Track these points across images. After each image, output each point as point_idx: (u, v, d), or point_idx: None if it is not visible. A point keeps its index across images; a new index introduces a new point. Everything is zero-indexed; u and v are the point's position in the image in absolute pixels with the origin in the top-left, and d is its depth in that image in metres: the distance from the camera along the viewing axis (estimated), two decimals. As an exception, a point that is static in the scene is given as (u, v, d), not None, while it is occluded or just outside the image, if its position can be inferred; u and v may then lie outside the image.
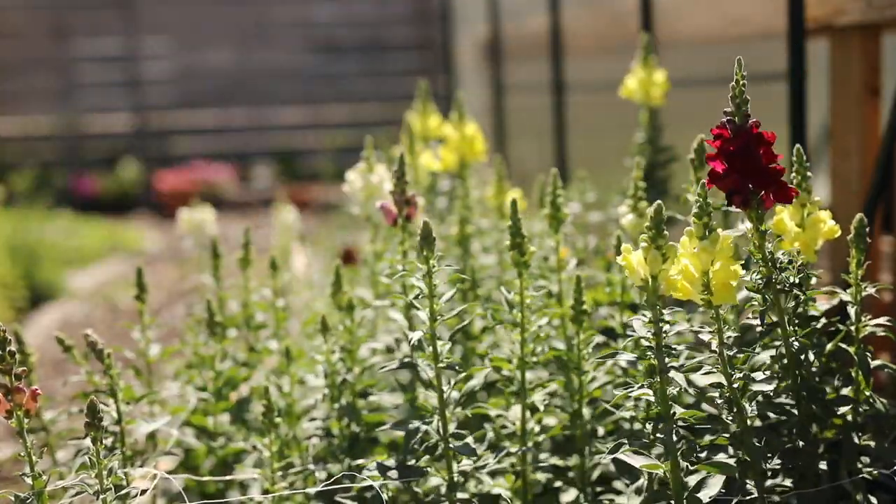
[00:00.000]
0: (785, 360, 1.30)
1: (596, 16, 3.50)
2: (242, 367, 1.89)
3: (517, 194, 2.31)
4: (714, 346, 1.21)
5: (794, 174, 1.33)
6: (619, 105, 2.37)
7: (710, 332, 1.21)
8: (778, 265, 1.23)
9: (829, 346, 1.32)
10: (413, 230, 1.46)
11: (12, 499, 1.27)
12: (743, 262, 1.24)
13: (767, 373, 1.26)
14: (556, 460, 1.51)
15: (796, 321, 1.28)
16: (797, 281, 1.24)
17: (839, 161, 2.03)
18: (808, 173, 1.32)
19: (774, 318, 1.27)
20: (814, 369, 1.31)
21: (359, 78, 9.64)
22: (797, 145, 1.34)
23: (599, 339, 1.53)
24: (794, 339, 1.26)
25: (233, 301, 2.08)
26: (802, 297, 1.26)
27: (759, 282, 1.24)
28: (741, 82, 1.18)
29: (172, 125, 9.46)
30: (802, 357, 1.27)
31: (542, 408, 1.45)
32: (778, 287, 1.23)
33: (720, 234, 1.17)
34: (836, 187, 2.04)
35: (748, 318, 1.31)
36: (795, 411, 1.29)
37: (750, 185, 1.19)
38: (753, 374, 1.24)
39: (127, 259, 6.28)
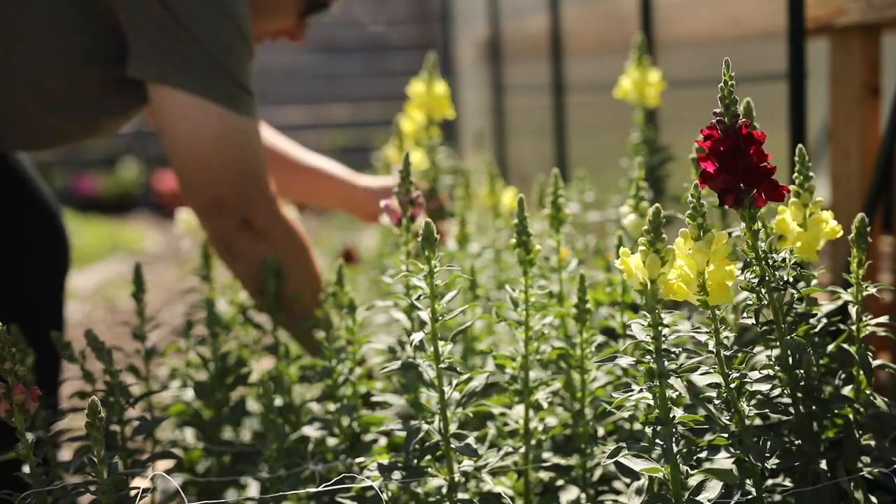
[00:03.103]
0: (778, 361, 1.30)
1: (596, 16, 3.50)
2: (241, 367, 1.89)
3: (512, 193, 2.32)
4: (711, 346, 1.21)
5: (795, 174, 1.34)
6: (619, 105, 2.37)
7: (706, 332, 1.21)
8: (772, 264, 1.24)
9: (830, 347, 1.32)
10: (417, 230, 1.46)
11: (12, 499, 1.27)
12: (741, 262, 1.24)
13: (766, 372, 1.26)
14: (557, 459, 1.51)
15: (794, 320, 1.28)
16: (791, 279, 1.24)
17: (839, 161, 2.03)
18: (810, 173, 1.32)
19: (769, 318, 1.27)
20: (813, 368, 1.31)
21: (359, 78, 9.65)
22: (799, 145, 1.34)
23: (600, 338, 1.53)
24: (790, 337, 1.26)
25: (231, 301, 2.08)
26: (797, 296, 1.27)
27: (754, 281, 1.24)
28: (729, 83, 1.19)
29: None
30: (799, 356, 1.27)
31: (545, 406, 1.45)
32: (772, 285, 1.23)
33: (715, 235, 1.17)
34: (836, 187, 2.05)
35: (743, 317, 1.31)
36: (793, 410, 1.29)
37: (741, 185, 1.19)
38: (751, 374, 1.24)
39: (127, 259, 6.28)
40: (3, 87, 1.74)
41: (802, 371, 1.29)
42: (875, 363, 1.29)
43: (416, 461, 1.34)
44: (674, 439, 1.15)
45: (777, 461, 1.23)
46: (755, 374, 1.23)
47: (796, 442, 1.30)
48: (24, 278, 2.08)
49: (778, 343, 1.28)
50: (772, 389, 1.26)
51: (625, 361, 1.20)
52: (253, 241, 1.77)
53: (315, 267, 1.86)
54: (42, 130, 1.84)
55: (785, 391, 1.28)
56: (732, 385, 1.20)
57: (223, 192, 1.73)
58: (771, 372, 1.26)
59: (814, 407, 1.30)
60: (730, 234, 1.20)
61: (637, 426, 1.47)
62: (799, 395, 1.28)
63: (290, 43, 2.01)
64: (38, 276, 2.11)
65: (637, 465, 1.14)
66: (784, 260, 1.25)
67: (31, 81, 1.74)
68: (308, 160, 2.25)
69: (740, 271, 1.22)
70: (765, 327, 1.28)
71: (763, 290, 1.24)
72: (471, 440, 1.32)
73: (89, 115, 1.82)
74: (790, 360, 1.27)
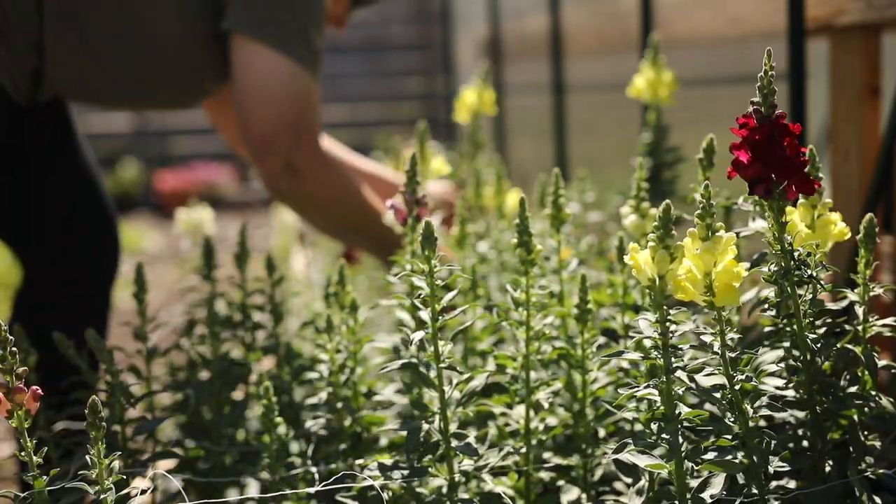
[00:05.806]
0: (794, 357, 1.29)
1: (596, 16, 3.50)
2: (241, 367, 1.89)
3: (516, 193, 2.32)
4: (716, 347, 1.20)
5: (805, 174, 1.33)
6: (619, 105, 2.37)
7: (712, 333, 1.20)
8: (796, 257, 1.23)
9: (838, 345, 1.31)
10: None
11: (12, 499, 1.27)
12: (748, 263, 1.23)
13: (777, 368, 1.26)
14: (558, 459, 1.51)
15: (810, 317, 1.28)
16: (815, 274, 1.24)
17: (839, 161, 2.03)
18: (819, 174, 1.32)
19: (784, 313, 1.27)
20: (827, 365, 1.31)
21: (358, 78, 9.64)
22: (809, 145, 1.34)
23: (601, 339, 1.53)
24: (809, 333, 1.26)
25: (230, 301, 2.08)
26: (820, 291, 1.26)
27: (778, 273, 1.23)
28: (769, 73, 1.18)
29: (172, 125, 9.45)
30: (819, 351, 1.27)
31: (546, 406, 1.45)
32: (795, 279, 1.23)
33: (723, 235, 1.16)
34: (837, 187, 2.04)
35: (764, 309, 1.30)
36: (807, 408, 1.28)
37: (773, 176, 1.19)
38: (766, 368, 1.23)
39: (127, 259, 6.27)
40: (115, 36, 1.99)
41: (818, 367, 1.28)
42: (880, 364, 1.29)
43: (416, 461, 1.33)
44: (679, 435, 1.14)
45: (783, 464, 1.23)
46: (771, 367, 1.23)
47: (804, 442, 1.29)
48: (77, 279, 2.20)
49: (788, 341, 1.28)
50: (786, 386, 1.26)
51: (630, 357, 1.20)
52: (295, 181, 2.03)
53: (362, 200, 2.13)
54: (138, 85, 2.11)
55: (800, 389, 1.28)
56: (737, 387, 1.20)
57: (278, 126, 1.99)
58: (777, 368, 1.25)
59: (825, 405, 1.29)
60: (738, 234, 1.20)
61: (638, 427, 1.46)
62: (815, 392, 1.28)
63: (335, 30, 2.29)
64: (90, 279, 2.23)
65: (642, 461, 1.14)
66: (809, 255, 1.25)
67: (149, 34, 2.01)
68: (369, 166, 2.51)
69: (751, 267, 1.22)
70: (772, 327, 1.27)
71: (786, 284, 1.23)
72: (471, 440, 1.32)
73: (188, 72, 2.10)
74: (809, 355, 1.26)
